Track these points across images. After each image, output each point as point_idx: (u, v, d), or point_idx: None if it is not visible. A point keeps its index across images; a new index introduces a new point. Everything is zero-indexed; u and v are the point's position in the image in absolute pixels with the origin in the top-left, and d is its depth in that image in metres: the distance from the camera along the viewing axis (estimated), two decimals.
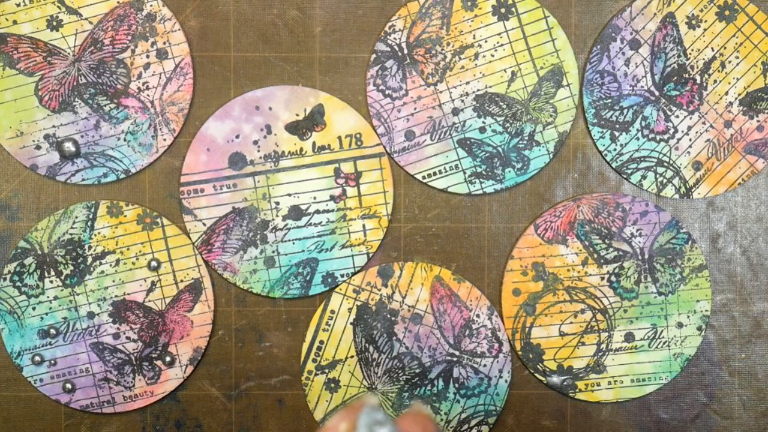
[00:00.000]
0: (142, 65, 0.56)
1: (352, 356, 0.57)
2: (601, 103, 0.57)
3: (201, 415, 0.57)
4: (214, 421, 0.57)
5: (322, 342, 0.57)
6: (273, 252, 0.56)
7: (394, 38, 0.56)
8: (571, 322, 0.57)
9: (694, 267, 0.57)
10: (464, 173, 0.57)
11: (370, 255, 0.57)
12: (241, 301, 0.57)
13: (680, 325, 0.58)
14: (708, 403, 0.58)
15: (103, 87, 0.56)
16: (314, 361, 0.57)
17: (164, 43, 0.56)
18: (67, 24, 0.55)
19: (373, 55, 0.56)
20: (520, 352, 0.57)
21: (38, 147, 0.56)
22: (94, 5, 0.56)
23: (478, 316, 0.57)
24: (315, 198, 0.56)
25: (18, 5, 0.55)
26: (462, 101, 0.56)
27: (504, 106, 0.57)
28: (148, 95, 0.56)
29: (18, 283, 0.56)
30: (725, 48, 0.57)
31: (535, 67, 0.57)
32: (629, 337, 0.58)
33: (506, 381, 0.57)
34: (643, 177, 0.57)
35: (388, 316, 0.57)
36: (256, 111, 0.56)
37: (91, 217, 0.56)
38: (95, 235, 0.56)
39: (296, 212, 0.56)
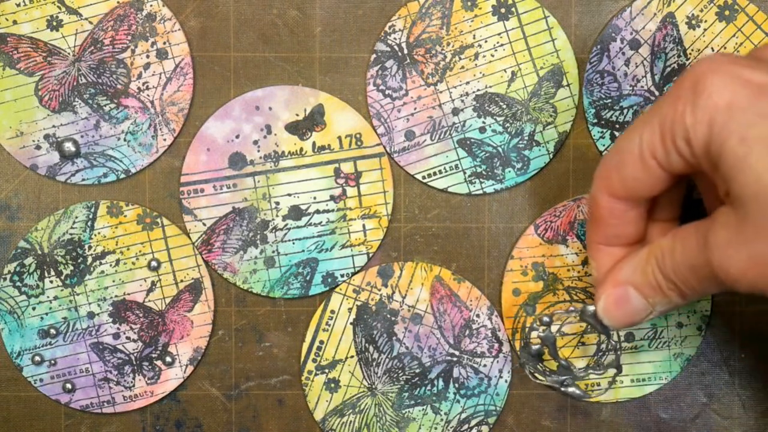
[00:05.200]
0: (142, 65, 0.56)
1: (352, 356, 0.57)
2: (601, 103, 0.57)
3: (201, 415, 0.57)
4: (214, 421, 0.57)
5: (322, 342, 0.57)
6: (273, 252, 0.56)
7: (394, 38, 0.56)
8: (571, 322, 0.57)
9: None
10: (464, 173, 0.57)
11: (370, 255, 0.57)
12: (241, 301, 0.57)
13: (680, 325, 0.58)
14: (708, 403, 0.58)
15: (103, 87, 0.56)
16: (314, 361, 0.57)
17: (164, 43, 0.56)
18: (67, 24, 0.55)
19: (373, 55, 0.56)
20: (519, 352, 0.57)
21: (38, 147, 0.56)
22: (94, 5, 0.56)
23: (478, 316, 0.57)
24: (315, 198, 0.56)
25: (18, 5, 0.55)
26: (462, 101, 0.57)
27: (504, 106, 0.57)
28: (148, 95, 0.56)
29: (18, 283, 0.56)
30: (725, 48, 0.57)
31: (535, 67, 0.57)
32: (629, 337, 0.58)
33: (506, 381, 0.57)
34: None
35: (388, 316, 0.57)
36: (256, 111, 0.56)
37: (91, 217, 0.56)
38: (95, 235, 0.56)
39: (296, 212, 0.56)
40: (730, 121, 0.42)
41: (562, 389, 0.56)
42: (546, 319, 0.56)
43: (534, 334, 0.57)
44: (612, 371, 0.56)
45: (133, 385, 0.57)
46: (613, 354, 0.56)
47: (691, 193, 0.53)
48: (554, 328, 0.57)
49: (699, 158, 0.44)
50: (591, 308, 0.52)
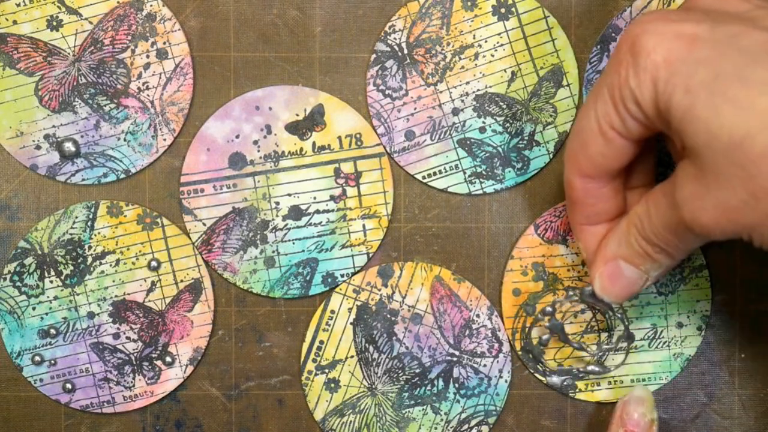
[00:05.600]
0: (142, 65, 0.56)
1: (352, 356, 0.57)
2: None
3: (201, 415, 0.57)
4: (214, 421, 0.57)
5: (322, 342, 0.57)
6: (273, 252, 0.56)
7: (394, 38, 0.56)
8: (571, 323, 0.57)
9: (694, 267, 0.57)
10: (464, 173, 0.57)
11: (370, 255, 0.57)
12: (241, 301, 0.57)
13: (680, 325, 0.58)
14: (708, 403, 0.58)
15: (103, 87, 0.56)
16: (314, 361, 0.57)
17: (164, 43, 0.56)
18: (67, 24, 0.56)
19: (373, 55, 0.56)
20: (519, 352, 0.57)
21: (38, 147, 0.56)
22: (94, 5, 0.56)
23: (478, 316, 0.57)
24: (315, 198, 0.56)
25: (18, 5, 0.55)
26: (462, 101, 0.57)
27: (504, 106, 0.57)
28: (148, 95, 0.56)
29: (18, 283, 0.56)
30: None
31: (535, 67, 0.57)
32: (629, 337, 0.57)
33: (506, 381, 0.57)
34: None
35: (388, 316, 0.57)
36: (256, 111, 0.56)
37: (91, 217, 0.56)
38: (95, 235, 0.56)
39: (296, 212, 0.56)
40: (672, 75, 0.43)
41: (581, 373, 0.56)
42: (549, 309, 0.56)
43: (535, 332, 0.57)
44: (624, 344, 0.57)
45: (133, 385, 0.57)
46: (622, 326, 0.56)
47: None
48: (559, 316, 0.57)
49: (651, 118, 0.45)
50: (589, 289, 0.53)
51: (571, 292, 0.56)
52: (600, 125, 0.47)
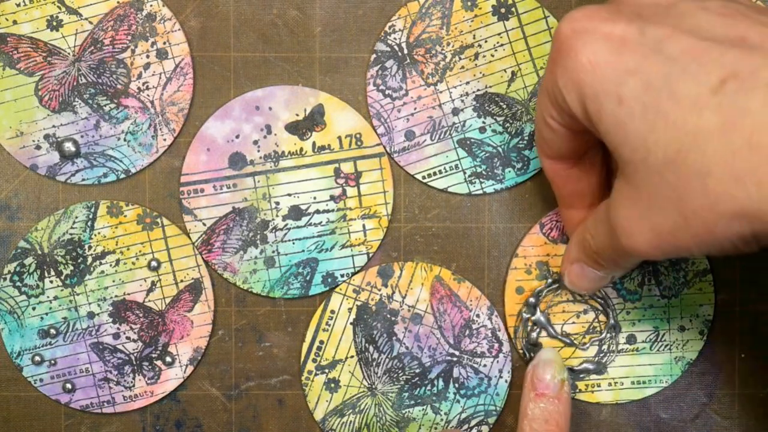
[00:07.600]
0: (142, 65, 0.56)
1: (352, 356, 0.57)
2: None
3: (201, 415, 0.57)
4: (214, 421, 0.58)
5: (322, 342, 0.57)
6: (273, 252, 0.56)
7: (394, 38, 0.56)
8: (574, 323, 0.57)
9: (698, 271, 0.57)
10: (464, 173, 0.57)
11: (370, 255, 0.57)
12: (241, 301, 0.57)
13: (682, 328, 0.57)
14: (708, 403, 0.58)
15: (103, 87, 0.56)
16: (314, 361, 0.57)
17: (164, 43, 0.56)
18: (67, 24, 0.55)
19: (373, 55, 0.56)
20: (521, 352, 0.57)
21: (38, 147, 0.56)
22: (94, 5, 0.56)
23: (478, 316, 0.57)
24: (315, 198, 0.56)
25: (18, 5, 0.55)
26: (462, 101, 0.56)
27: (504, 106, 0.56)
28: (148, 95, 0.56)
29: (18, 283, 0.56)
30: None
31: (535, 67, 0.56)
32: (631, 339, 0.57)
33: (506, 381, 0.57)
34: None
35: (388, 316, 0.57)
36: (256, 111, 0.56)
37: (91, 217, 0.56)
38: (95, 235, 0.56)
39: (296, 212, 0.56)
40: (597, 80, 0.41)
41: (576, 370, 0.57)
42: (532, 300, 0.56)
43: (525, 332, 0.57)
44: (611, 335, 0.57)
45: (133, 385, 0.57)
46: (611, 315, 0.57)
47: None
48: (543, 306, 0.57)
49: (579, 118, 0.44)
50: None
51: (550, 280, 0.56)
52: (543, 115, 0.47)
